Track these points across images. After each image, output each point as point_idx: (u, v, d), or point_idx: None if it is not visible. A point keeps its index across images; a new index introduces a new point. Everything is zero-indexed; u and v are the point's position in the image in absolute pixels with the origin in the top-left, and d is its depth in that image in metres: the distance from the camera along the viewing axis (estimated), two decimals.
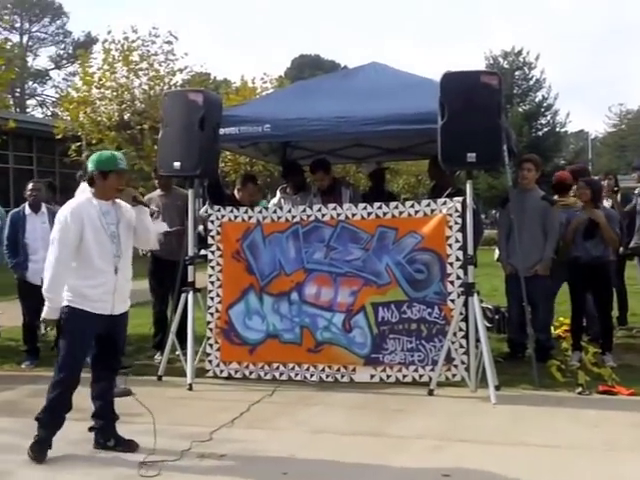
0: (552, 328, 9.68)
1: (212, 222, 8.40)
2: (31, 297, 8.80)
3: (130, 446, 5.99)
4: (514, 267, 8.66)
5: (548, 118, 48.80)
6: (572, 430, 6.48)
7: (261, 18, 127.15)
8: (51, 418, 5.91)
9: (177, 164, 8.11)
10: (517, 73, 48.90)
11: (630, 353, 9.39)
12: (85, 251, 5.80)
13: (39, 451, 5.82)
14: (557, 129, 49.17)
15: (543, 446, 6.06)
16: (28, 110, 63.57)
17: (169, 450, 5.89)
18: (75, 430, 6.19)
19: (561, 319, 10.18)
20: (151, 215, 6.39)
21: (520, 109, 47.32)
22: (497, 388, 7.50)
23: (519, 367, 8.41)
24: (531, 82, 49.06)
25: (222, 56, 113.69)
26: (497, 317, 10.62)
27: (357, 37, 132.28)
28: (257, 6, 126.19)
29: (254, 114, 8.67)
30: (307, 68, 65.71)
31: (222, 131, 8.45)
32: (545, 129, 48.28)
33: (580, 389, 7.56)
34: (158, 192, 9.70)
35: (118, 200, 6.02)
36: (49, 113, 58.51)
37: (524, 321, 8.41)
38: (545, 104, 48.59)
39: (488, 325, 10.62)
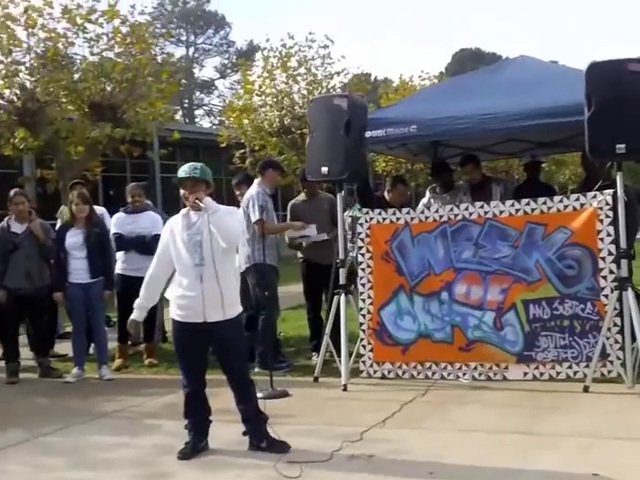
0: None
1: (361, 225, 8.51)
2: None
3: (282, 447, 6.13)
4: None
5: None
6: None
7: (420, 13, 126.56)
8: (188, 421, 6.30)
9: (325, 169, 8.27)
10: None
11: None
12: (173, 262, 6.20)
13: (183, 452, 6.16)
14: None
15: None
16: (196, 120, 65.93)
17: (320, 451, 6.02)
18: (231, 432, 6.44)
19: None
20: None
21: None
22: None
23: None
24: None
25: (383, 56, 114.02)
26: None
27: (517, 28, 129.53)
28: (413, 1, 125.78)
29: (400, 115, 8.71)
30: (468, 62, 65.08)
31: (369, 134, 8.52)
32: None
33: None
34: (302, 197, 9.93)
35: (213, 209, 5.99)
36: (216, 122, 60.37)
37: None
38: None
39: None
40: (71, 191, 10.30)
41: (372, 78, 51.29)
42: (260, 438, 6.21)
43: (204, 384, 6.32)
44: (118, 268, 10.00)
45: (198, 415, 6.29)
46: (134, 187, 10.51)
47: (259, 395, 7.60)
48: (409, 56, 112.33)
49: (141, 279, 9.74)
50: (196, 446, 6.21)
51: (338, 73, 24.46)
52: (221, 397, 6.55)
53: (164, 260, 6.25)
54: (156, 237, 9.89)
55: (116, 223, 10.03)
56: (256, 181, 9.33)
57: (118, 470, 6.00)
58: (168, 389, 8.49)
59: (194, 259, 6.04)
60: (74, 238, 9.34)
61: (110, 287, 9.55)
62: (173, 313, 6.23)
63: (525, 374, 7.86)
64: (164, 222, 10.86)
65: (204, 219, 6.00)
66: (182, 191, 6.12)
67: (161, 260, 6.28)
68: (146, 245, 9.83)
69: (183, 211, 6.22)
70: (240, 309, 6.31)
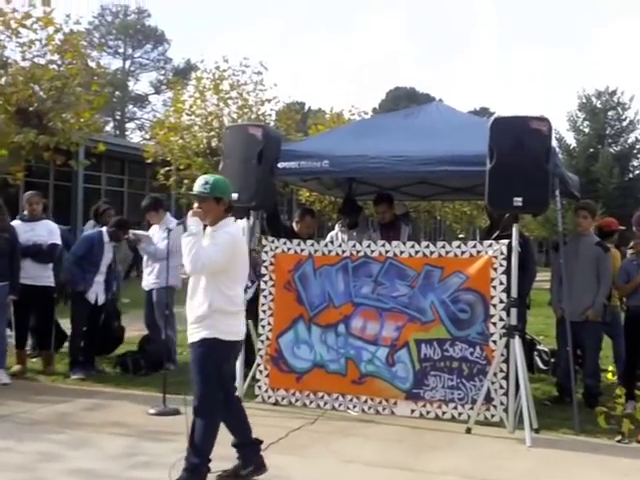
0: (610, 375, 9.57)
1: (266, 253, 8.68)
2: None
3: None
4: (565, 311, 8.68)
5: None
6: (601, 477, 6.53)
7: (359, 49, 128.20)
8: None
9: (235, 195, 8.40)
10: (610, 113, 48.24)
11: None
12: None
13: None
14: None
15: None
16: (127, 133, 65.48)
17: None
18: (117, 444, 6.51)
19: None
20: None
21: (612, 150, 46.87)
22: (536, 431, 7.59)
23: (565, 411, 8.33)
24: (624, 123, 48.39)
25: (320, 88, 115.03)
26: (553, 360, 10.60)
27: (453, 71, 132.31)
28: (354, 38, 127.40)
29: (314, 150, 8.93)
30: (402, 100, 66.03)
31: (282, 165, 8.72)
32: (638, 171, 47.63)
33: (620, 437, 7.53)
34: None
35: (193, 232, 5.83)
36: (147, 137, 60.04)
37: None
38: (639, 146, 47.92)
39: (544, 368, 10.68)
40: None
41: (306, 108, 51.61)
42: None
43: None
44: None
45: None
46: (32, 195, 10.40)
47: (150, 411, 7.72)
48: (345, 90, 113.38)
49: (36, 288, 9.82)
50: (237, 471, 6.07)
51: (269, 100, 24.68)
52: (115, 410, 6.58)
53: None
54: (52, 246, 9.93)
55: None
56: None
57: None
58: (61, 398, 8.56)
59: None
60: None
61: (15, 292, 9.44)
62: None
63: (412, 411, 8.08)
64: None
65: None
66: None
67: None
68: (42, 254, 9.84)
69: None
70: (206, 334, 5.79)
